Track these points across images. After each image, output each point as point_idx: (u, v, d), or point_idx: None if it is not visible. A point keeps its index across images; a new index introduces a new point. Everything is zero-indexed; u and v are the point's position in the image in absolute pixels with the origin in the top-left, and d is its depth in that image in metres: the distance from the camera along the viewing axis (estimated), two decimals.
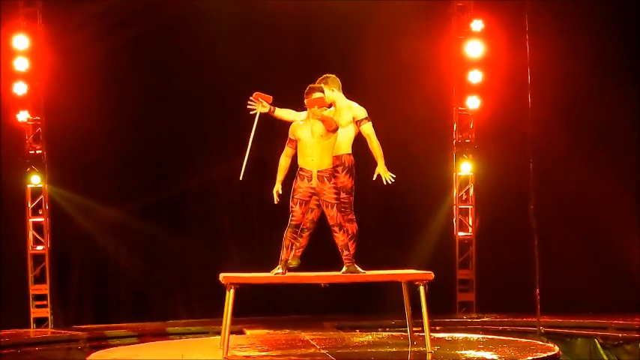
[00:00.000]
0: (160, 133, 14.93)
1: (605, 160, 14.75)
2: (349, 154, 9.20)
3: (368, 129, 9.19)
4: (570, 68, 14.54)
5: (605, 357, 12.59)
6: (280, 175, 9.02)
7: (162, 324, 14.09)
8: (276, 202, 8.99)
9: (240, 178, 9.11)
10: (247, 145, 9.13)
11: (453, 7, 15.31)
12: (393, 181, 9.15)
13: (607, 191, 14.73)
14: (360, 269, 9.06)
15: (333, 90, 9.26)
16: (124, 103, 14.76)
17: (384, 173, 9.16)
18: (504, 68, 14.77)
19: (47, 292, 14.46)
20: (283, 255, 9.01)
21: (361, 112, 9.23)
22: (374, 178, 9.21)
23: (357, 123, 9.21)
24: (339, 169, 9.14)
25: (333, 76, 9.32)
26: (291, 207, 8.97)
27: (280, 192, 8.98)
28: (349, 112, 9.23)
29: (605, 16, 14.68)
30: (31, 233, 14.55)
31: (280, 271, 9.03)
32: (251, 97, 9.35)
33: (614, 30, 14.75)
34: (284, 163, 9.05)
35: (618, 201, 14.75)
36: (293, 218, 8.98)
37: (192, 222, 15.25)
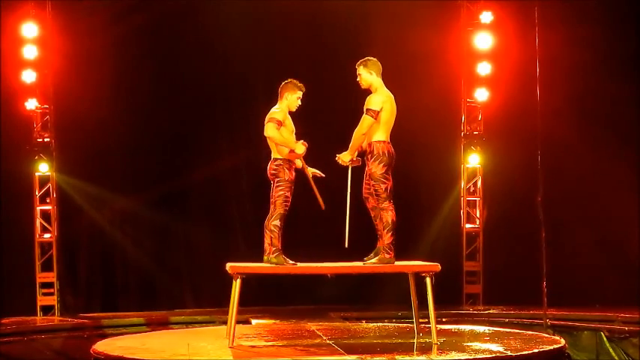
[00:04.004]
0: (168, 122, 14.93)
1: (615, 152, 14.70)
2: (380, 141, 9.14)
3: (363, 119, 9.17)
4: (580, 59, 14.49)
5: (611, 350, 12.58)
6: None
7: (169, 313, 14.13)
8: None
9: (346, 245, 9.21)
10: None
11: None
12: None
13: (616, 184, 14.70)
14: (382, 260, 9.07)
15: (371, 73, 9.32)
16: (133, 91, 14.77)
17: (342, 157, 9.26)
18: (513, 60, 14.74)
19: (54, 280, 14.48)
20: None
21: (372, 102, 9.19)
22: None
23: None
24: (369, 156, 9.17)
25: (374, 59, 9.39)
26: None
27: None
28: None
29: (615, 6, 14.63)
30: (38, 221, 14.56)
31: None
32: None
33: (624, 20, 14.70)
34: None
35: (627, 194, 14.71)
36: None
37: (199, 211, 15.25)
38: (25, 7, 14.33)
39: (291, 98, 9.42)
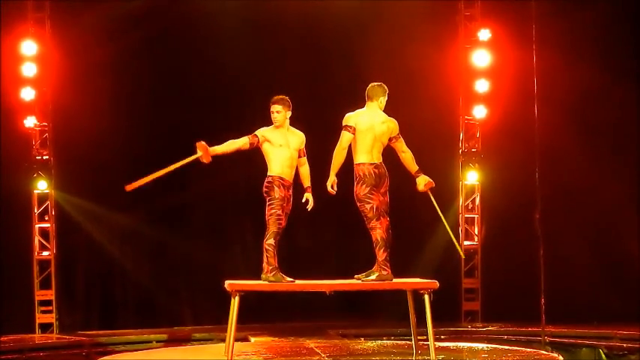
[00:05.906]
0: (167, 139, 14.91)
1: (614, 167, 14.73)
2: (360, 163, 9.06)
3: (341, 136, 9.14)
4: (578, 75, 14.52)
5: None
6: None
7: (168, 330, 14.10)
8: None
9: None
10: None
11: (460, 15, 15.32)
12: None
13: (615, 200, 14.70)
14: (380, 277, 9.03)
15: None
16: (131, 109, 14.77)
17: (327, 184, 9.11)
18: (511, 77, 14.77)
19: (53, 297, 14.47)
20: None
21: (345, 119, 9.14)
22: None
23: None
24: (354, 180, 9.10)
25: (376, 85, 9.35)
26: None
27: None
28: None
29: (613, 21, 14.68)
30: (37, 239, 14.57)
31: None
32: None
33: (621, 35, 14.75)
34: None
35: (626, 210, 14.72)
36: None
37: (198, 228, 15.23)
38: (25, 25, 14.38)
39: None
